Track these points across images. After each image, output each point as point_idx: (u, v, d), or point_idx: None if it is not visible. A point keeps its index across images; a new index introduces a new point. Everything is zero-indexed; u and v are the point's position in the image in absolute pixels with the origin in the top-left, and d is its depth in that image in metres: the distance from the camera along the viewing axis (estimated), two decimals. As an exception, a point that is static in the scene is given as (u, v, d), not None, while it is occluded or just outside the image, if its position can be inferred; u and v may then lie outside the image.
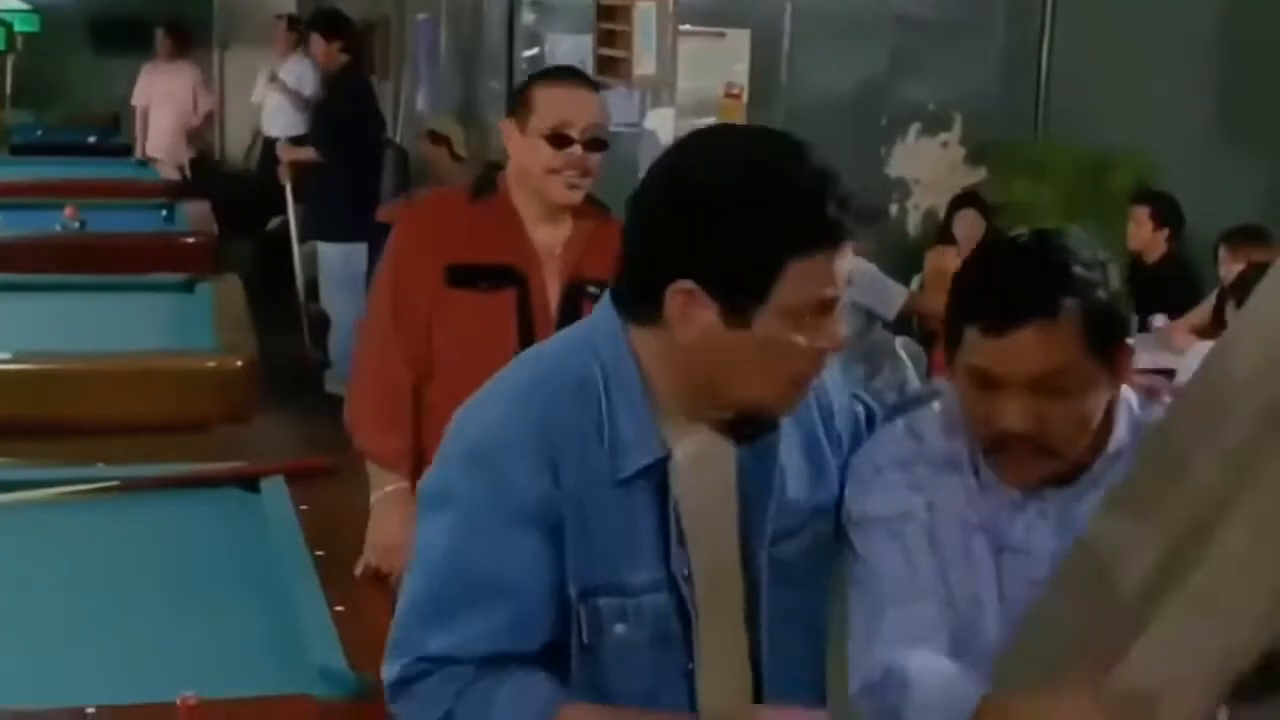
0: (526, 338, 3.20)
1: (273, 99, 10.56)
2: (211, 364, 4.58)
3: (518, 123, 3.34)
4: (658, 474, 1.93)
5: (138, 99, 11.16)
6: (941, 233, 7.94)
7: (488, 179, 3.48)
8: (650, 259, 1.91)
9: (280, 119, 10.37)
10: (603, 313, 2.00)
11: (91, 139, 11.65)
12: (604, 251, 3.31)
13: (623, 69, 7.71)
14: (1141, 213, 7.30)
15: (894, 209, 8.63)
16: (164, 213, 7.62)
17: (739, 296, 1.86)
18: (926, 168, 8.64)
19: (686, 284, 1.86)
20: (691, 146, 1.95)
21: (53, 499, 3.37)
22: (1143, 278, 7.22)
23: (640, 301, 1.92)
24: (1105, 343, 1.96)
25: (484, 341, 3.17)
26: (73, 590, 2.96)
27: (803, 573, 2.06)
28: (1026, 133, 8.55)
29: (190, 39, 11.40)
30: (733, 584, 2.02)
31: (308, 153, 8.40)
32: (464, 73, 9.84)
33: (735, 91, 8.21)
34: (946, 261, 7.34)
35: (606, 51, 7.95)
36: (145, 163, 10.08)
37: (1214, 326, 6.31)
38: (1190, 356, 5.88)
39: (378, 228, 8.10)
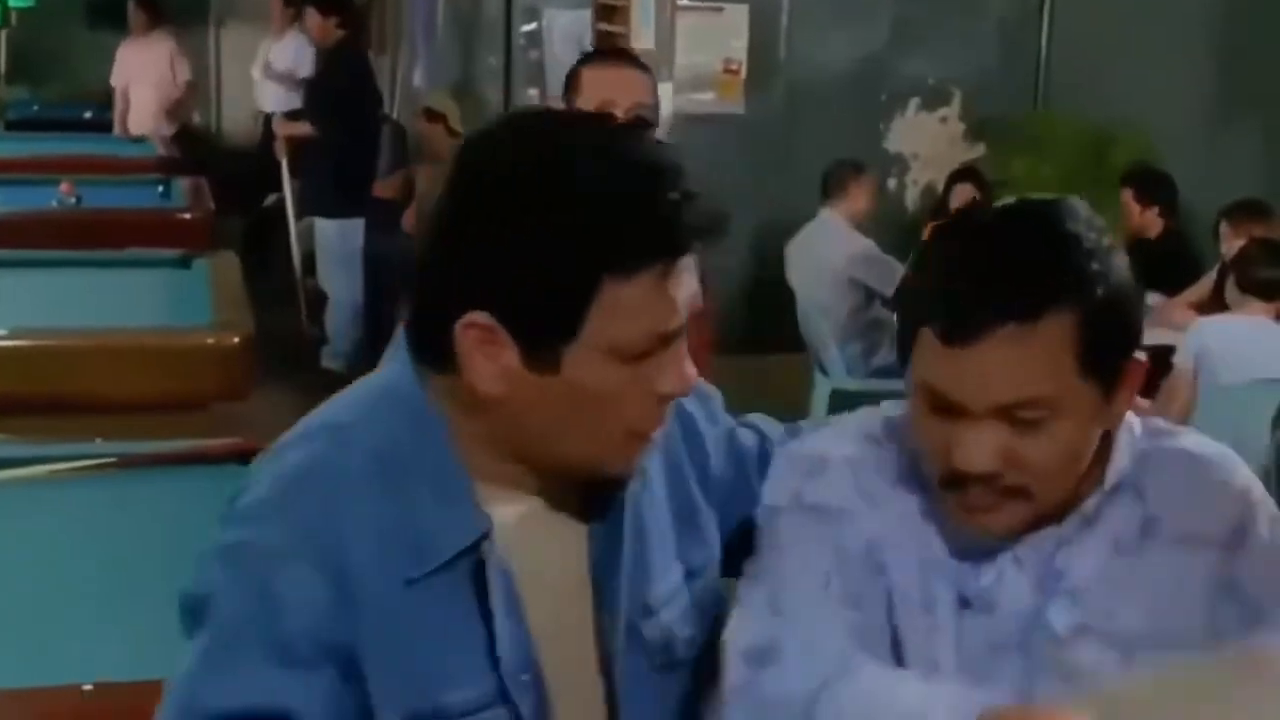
0: None
1: (260, 76, 10.58)
2: (209, 340, 4.56)
3: (566, 105, 3.30)
4: (473, 560, 1.54)
5: (116, 78, 11.05)
6: (938, 208, 7.92)
7: None
8: (434, 285, 1.53)
9: (274, 95, 10.36)
10: (399, 360, 1.60)
11: (87, 114, 11.61)
12: None
13: (621, 44, 7.68)
14: (1127, 194, 7.29)
15: (892, 184, 8.62)
16: (160, 189, 7.59)
17: (541, 331, 1.47)
18: (925, 143, 8.62)
19: (477, 316, 1.47)
20: (480, 141, 1.55)
21: (49, 476, 3.36)
22: (1139, 254, 7.21)
23: (429, 341, 1.54)
24: (1107, 357, 1.53)
25: None
26: (69, 567, 2.95)
27: (675, 653, 1.69)
28: (1026, 108, 8.54)
29: (162, 11, 11.27)
30: (587, 677, 1.64)
31: (304, 128, 8.39)
32: (461, 48, 9.81)
33: (734, 67, 8.19)
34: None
35: (605, 27, 7.93)
36: (143, 138, 10.04)
37: (1214, 303, 6.30)
38: (1190, 333, 5.88)
39: (374, 203, 8.11)
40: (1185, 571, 1.60)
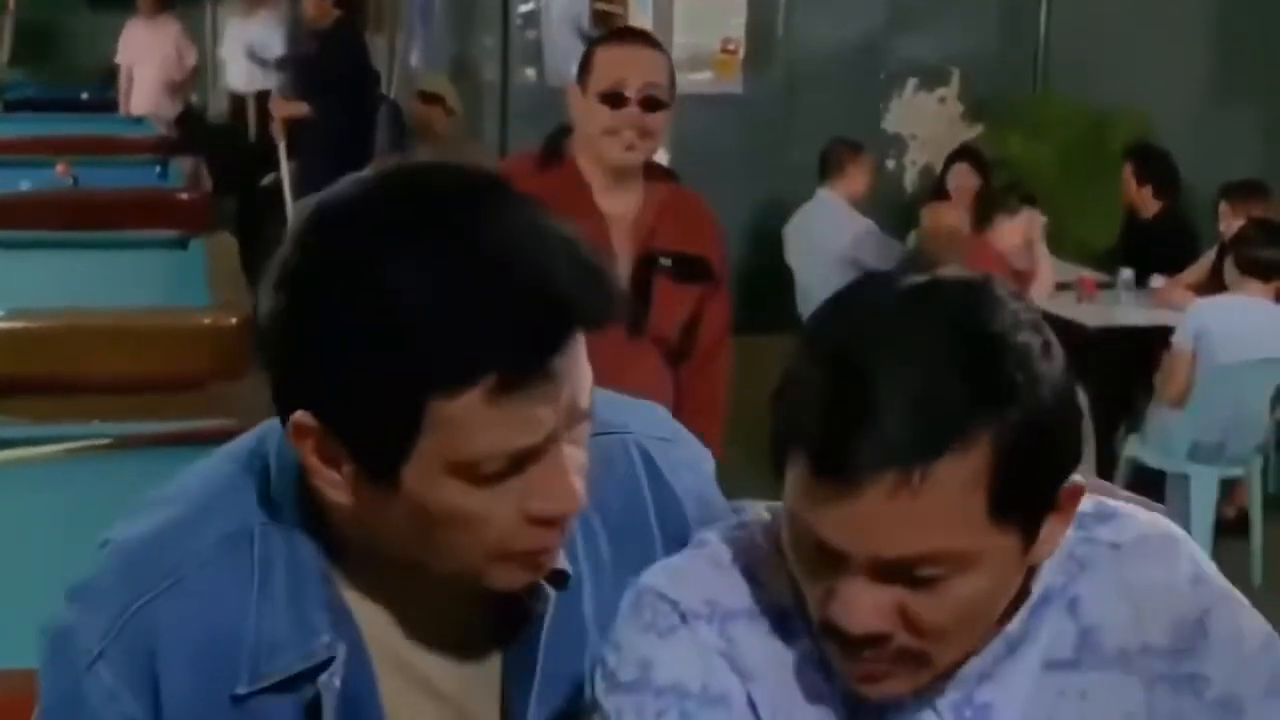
0: None
1: (236, 54, 10.54)
2: (205, 321, 4.55)
3: (580, 85, 3.29)
4: (307, 690, 1.33)
5: (122, 57, 11.07)
6: (937, 188, 7.92)
7: (555, 144, 3.41)
8: (266, 367, 1.31)
9: (247, 75, 10.38)
10: (279, 429, 1.35)
11: (84, 95, 11.58)
12: (677, 220, 3.34)
13: (618, 23, 7.66)
14: (1128, 169, 7.29)
15: (890, 165, 8.62)
16: (158, 169, 7.57)
17: (368, 448, 1.25)
18: (924, 123, 8.62)
19: (305, 418, 1.26)
20: (312, 218, 1.31)
21: (46, 457, 3.35)
22: (1137, 234, 7.20)
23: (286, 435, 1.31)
24: (1030, 495, 1.23)
25: None
26: (67, 548, 2.94)
27: None
28: (1025, 89, 8.53)
29: None
30: None
31: (301, 108, 8.37)
32: (459, 27, 9.80)
33: (731, 47, 8.18)
34: (942, 217, 7.32)
35: (602, 6, 7.92)
36: (141, 119, 10.01)
37: (1212, 283, 6.30)
38: (1188, 314, 5.87)
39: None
40: (1132, 689, 1.33)
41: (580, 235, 1.29)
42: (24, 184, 6.77)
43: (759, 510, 1.41)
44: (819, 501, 1.21)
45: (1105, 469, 5.95)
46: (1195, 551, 1.40)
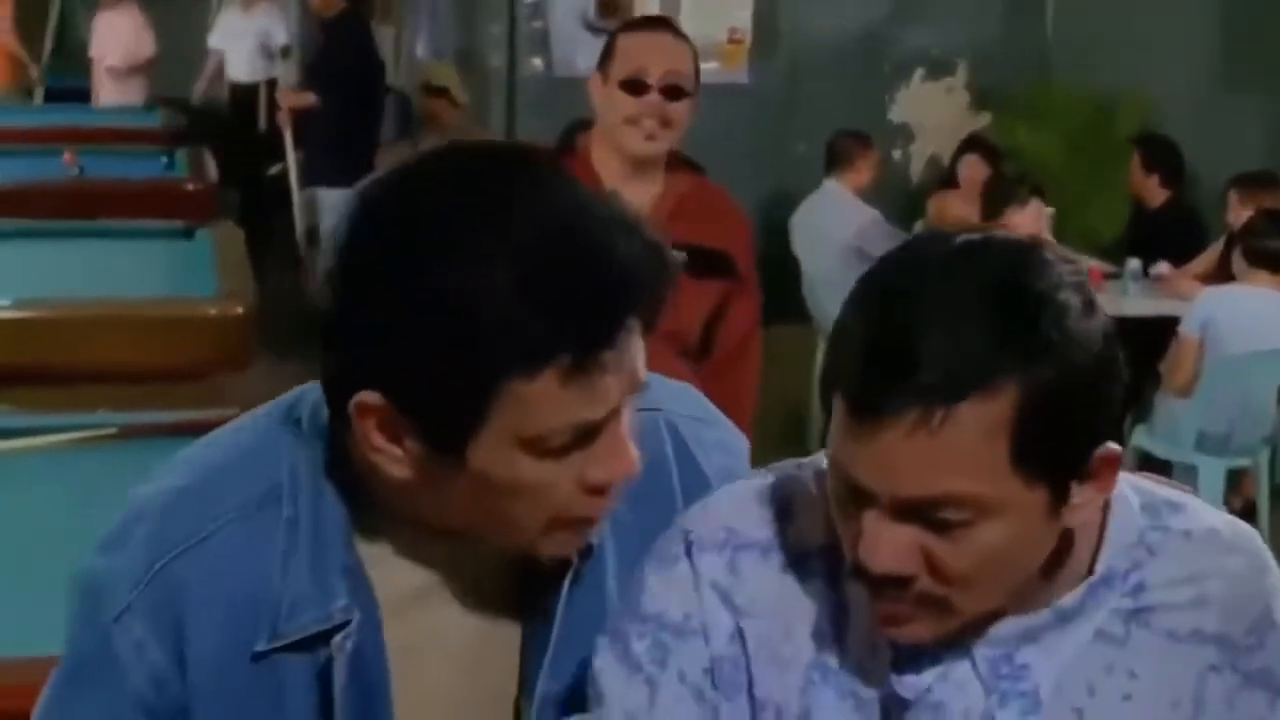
0: None
1: (238, 45, 10.44)
2: (211, 311, 4.56)
3: (601, 74, 3.22)
4: (321, 651, 1.37)
5: (94, 49, 10.95)
6: (946, 178, 7.90)
7: (568, 136, 3.35)
8: (331, 350, 1.33)
9: (247, 64, 10.34)
10: (314, 392, 1.40)
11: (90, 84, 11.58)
12: (697, 213, 3.22)
13: (624, 13, 7.66)
14: (1134, 159, 7.27)
15: (897, 155, 8.60)
16: (164, 159, 7.57)
17: (438, 424, 1.29)
18: (930, 113, 8.61)
19: (371, 397, 1.29)
20: (367, 206, 1.32)
21: (52, 446, 3.36)
22: (1144, 224, 7.20)
23: (334, 408, 1.35)
24: (1057, 452, 1.25)
25: None
26: (72, 538, 2.94)
27: None
28: (1031, 78, 8.51)
29: None
30: None
31: (308, 98, 8.37)
32: (464, 17, 9.78)
33: (738, 37, 8.17)
34: (949, 206, 7.32)
35: (608, -5, 7.91)
36: (151, 107, 10.00)
37: (1220, 274, 6.28)
38: (1196, 304, 5.86)
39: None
40: (1182, 675, 1.36)
41: (629, 210, 1.32)
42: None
43: (821, 456, 1.42)
44: (850, 439, 1.25)
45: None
46: (1264, 547, 1.42)
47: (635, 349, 1.30)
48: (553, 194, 1.28)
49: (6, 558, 2.83)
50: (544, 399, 1.26)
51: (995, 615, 1.33)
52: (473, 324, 1.24)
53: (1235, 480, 6.05)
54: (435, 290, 1.25)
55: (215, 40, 10.68)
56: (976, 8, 8.56)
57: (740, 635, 1.38)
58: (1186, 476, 5.78)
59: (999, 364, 1.21)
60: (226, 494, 1.39)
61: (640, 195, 3.20)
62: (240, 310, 4.54)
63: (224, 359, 4.44)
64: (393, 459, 1.32)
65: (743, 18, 8.23)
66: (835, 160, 7.23)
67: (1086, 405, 1.25)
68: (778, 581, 1.38)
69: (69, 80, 11.75)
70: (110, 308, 4.51)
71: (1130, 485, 1.40)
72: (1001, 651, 1.34)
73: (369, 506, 1.39)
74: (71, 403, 3.67)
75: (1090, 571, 1.35)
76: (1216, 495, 5.74)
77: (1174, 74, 8.16)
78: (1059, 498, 1.27)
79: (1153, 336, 6.29)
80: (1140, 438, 6.03)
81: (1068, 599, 1.34)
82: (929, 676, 1.34)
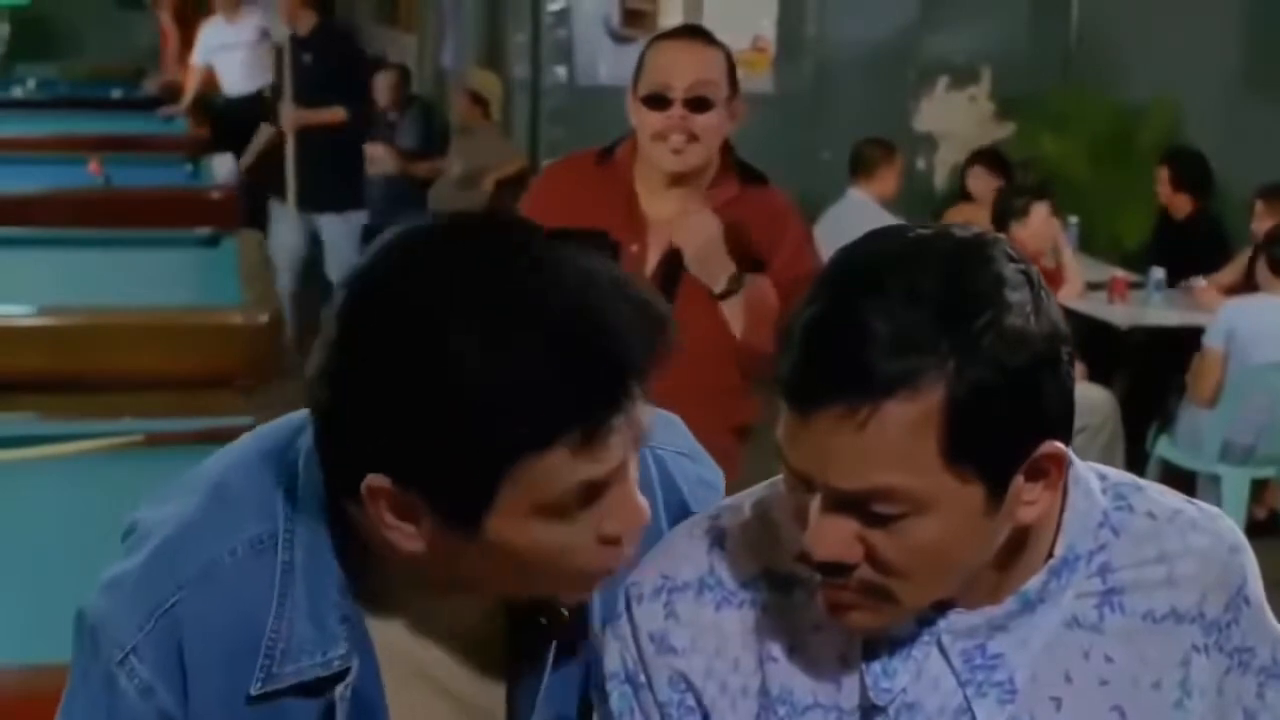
0: None
1: (228, 57, 10.22)
2: (236, 319, 4.56)
3: (633, 89, 3.19)
4: (327, 698, 1.38)
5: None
6: (961, 191, 7.90)
7: (613, 145, 3.31)
8: (334, 436, 1.33)
9: (239, 78, 10.12)
10: (306, 436, 1.39)
11: (115, 93, 11.62)
12: (734, 219, 3.13)
13: (648, 22, 7.67)
14: (1164, 173, 7.25)
15: (921, 164, 8.59)
16: (189, 167, 7.59)
17: (451, 504, 1.29)
18: (954, 122, 8.60)
19: (382, 481, 1.29)
20: (361, 298, 1.31)
21: (77, 453, 3.37)
22: (1170, 234, 7.18)
23: (338, 485, 1.35)
24: (992, 448, 1.25)
25: None
26: (99, 544, 2.95)
27: None
28: (1056, 85, 8.50)
29: None
30: None
31: (317, 115, 7.86)
32: (489, 25, 9.80)
33: (762, 45, 8.18)
34: (969, 219, 7.30)
35: (633, 4, 7.92)
36: (171, 117, 10.02)
37: (1248, 283, 6.26)
38: (1219, 315, 5.85)
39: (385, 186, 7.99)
40: (1162, 656, 1.38)
41: (621, 271, 1.32)
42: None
43: (765, 484, 1.46)
44: (788, 430, 1.26)
45: (1136, 469, 5.93)
46: (1234, 525, 1.44)
47: (640, 407, 1.30)
48: (552, 272, 1.28)
49: (33, 564, 2.84)
50: (555, 470, 1.27)
51: (953, 605, 1.34)
52: (481, 407, 1.24)
53: (1259, 490, 6.02)
54: (440, 375, 1.24)
55: (201, 56, 10.16)
56: (1001, 15, 8.55)
57: (684, 678, 1.40)
58: (1210, 487, 5.76)
59: (925, 362, 1.21)
60: (225, 533, 1.39)
61: (672, 208, 3.17)
62: (265, 318, 4.55)
63: (249, 367, 4.45)
64: (406, 535, 1.32)
65: (767, 26, 8.23)
66: (859, 167, 7.22)
67: (1023, 404, 1.24)
68: (714, 617, 1.40)
69: (65, 87, 11.75)
70: (135, 316, 4.53)
71: (1089, 468, 1.41)
72: (974, 643, 1.34)
73: (363, 556, 1.39)
74: (97, 410, 3.68)
75: (1051, 555, 1.36)
76: (1240, 506, 5.72)
77: (1199, 81, 8.13)
78: (996, 494, 1.27)
79: (1177, 346, 6.27)
80: (1164, 449, 6.01)
81: (1030, 584, 1.34)
82: (903, 678, 1.34)
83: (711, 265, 3.10)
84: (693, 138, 3.12)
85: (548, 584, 1.37)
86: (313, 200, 7.91)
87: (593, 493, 1.30)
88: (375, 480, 1.29)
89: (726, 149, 3.24)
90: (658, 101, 3.12)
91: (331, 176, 7.86)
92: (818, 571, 1.30)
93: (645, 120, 3.14)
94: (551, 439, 1.25)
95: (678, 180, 3.17)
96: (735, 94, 3.19)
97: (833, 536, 1.27)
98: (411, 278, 1.29)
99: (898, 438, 1.22)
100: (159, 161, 7.82)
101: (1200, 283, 6.77)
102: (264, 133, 8.48)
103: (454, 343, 1.24)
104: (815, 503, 1.27)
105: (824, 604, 1.32)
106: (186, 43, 10.87)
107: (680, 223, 3.05)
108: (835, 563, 1.28)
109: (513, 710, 1.46)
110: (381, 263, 1.32)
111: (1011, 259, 1.27)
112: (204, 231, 5.76)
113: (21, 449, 3.35)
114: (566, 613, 1.43)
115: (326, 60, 7.87)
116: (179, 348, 4.42)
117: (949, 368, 1.21)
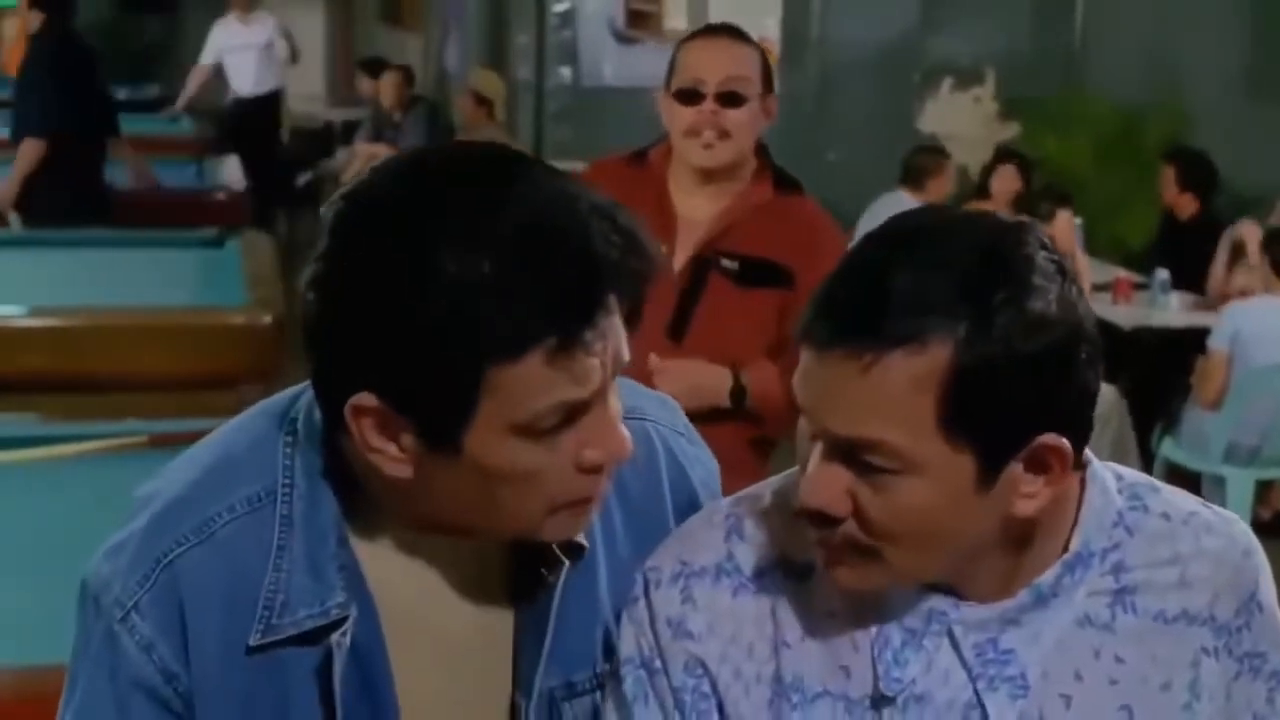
0: None
1: (239, 58, 10.21)
2: (240, 320, 4.57)
3: (665, 87, 3.18)
4: (321, 646, 1.40)
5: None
6: (979, 189, 7.89)
7: (646, 146, 3.29)
8: (319, 355, 1.36)
9: (251, 76, 10.16)
10: (308, 393, 1.44)
11: (122, 94, 11.62)
12: (765, 225, 3.12)
13: (653, 23, 7.68)
14: (1169, 172, 7.24)
15: (925, 165, 8.59)
16: (195, 168, 7.61)
17: (431, 417, 1.32)
18: (959, 123, 8.59)
19: (365, 399, 1.32)
20: (346, 211, 1.35)
21: (81, 454, 3.38)
22: (1174, 235, 7.17)
23: (327, 412, 1.39)
24: (988, 423, 1.26)
25: None
26: (100, 544, 2.96)
27: None
28: (1060, 86, 8.50)
29: None
30: None
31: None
32: (493, 26, 9.81)
33: (767, 46, 8.17)
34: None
35: (637, 5, 7.93)
36: (178, 117, 10.02)
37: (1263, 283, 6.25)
38: (1223, 316, 5.85)
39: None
40: (1173, 658, 1.39)
41: (610, 201, 1.35)
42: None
43: (783, 475, 1.47)
44: (803, 367, 1.30)
45: (1141, 470, 5.92)
46: (1248, 530, 1.45)
47: (616, 329, 1.32)
48: (529, 185, 1.32)
49: (36, 564, 2.85)
50: (530, 382, 1.29)
51: (963, 596, 1.36)
52: (457, 312, 1.27)
53: (1264, 492, 6.02)
54: (419, 284, 1.28)
55: (211, 55, 10.33)
56: (1005, 17, 8.55)
57: (700, 663, 1.42)
58: (1215, 488, 5.76)
59: (937, 323, 1.23)
60: (224, 493, 1.43)
61: (708, 205, 3.16)
62: (269, 319, 4.55)
63: (253, 367, 4.45)
64: (390, 458, 1.34)
65: (771, 27, 8.23)
66: (908, 176, 7.19)
67: (1027, 388, 1.25)
68: (730, 603, 1.42)
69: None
70: (140, 316, 4.54)
71: (1106, 467, 1.42)
72: (985, 636, 1.35)
73: (364, 505, 1.42)
74: (100, 411, 3.69)
75: (1066, 550, 1.37)
76: (1245, 507, 5.71)
77: (1203, 83, 8.13)
78: (989, 472, 1.28)
79: (1181, 348, 6.27)
80: (1169, 450, 6.01)
81: (1044, 577, 1.35)
82: (914, 668, 1.36)
83: (707, 395, 3.09)
84: (724, 134, 3.11)
85: (527, 513, 1.37)
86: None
87: (571, 415, 1.32)
88: (360, 398, 1.32)
89: (763, 153, 3.23)
90: (690, 96, 3.11)
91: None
92: (807, 521, 1.33)
93: (677, 116, 3.13)
94: (526, 344, 1.27)
95: (709, 177, 3.16)
96: (769, 92, 3.18)
97: (824, 485, 1.30)
98: (398, 191, 1.33)
99: (897, 391, 1.24)
100: (165, 162, 7.83)
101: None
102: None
103: (432, 247, 1.28)
104: (816, 453, 1.31)
105: (822, 554, 1.35)
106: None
107: (659, 377, 3.03)
108: (821, 512, 1.31)
109: (518, 669, 1.48)
110: (373, 177, 1.36)
111: (1045, 248, 1.29)
112: (208, 232, 5.77)
113: (24, 450, 3.36)
114: (565, 575, 1.43)
115: (37, 68, 6.69)
116: (183, 348, 4.43)
117: (960, 334, 1.23)
